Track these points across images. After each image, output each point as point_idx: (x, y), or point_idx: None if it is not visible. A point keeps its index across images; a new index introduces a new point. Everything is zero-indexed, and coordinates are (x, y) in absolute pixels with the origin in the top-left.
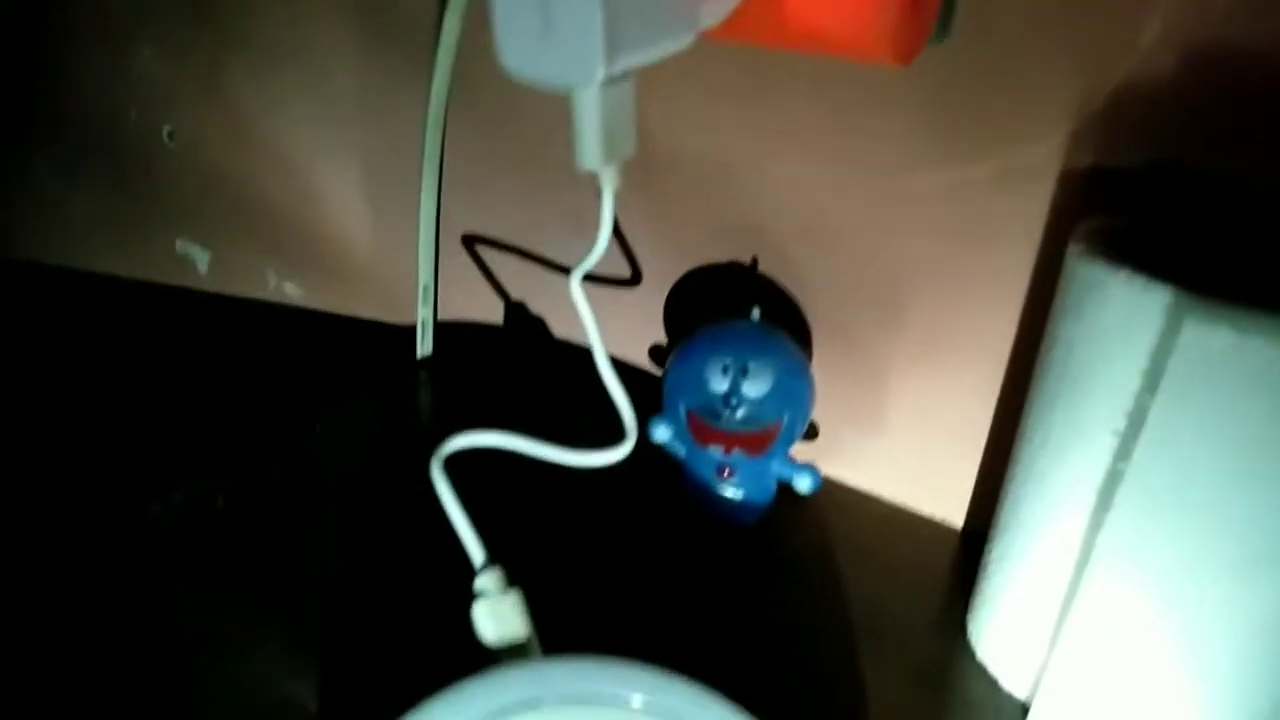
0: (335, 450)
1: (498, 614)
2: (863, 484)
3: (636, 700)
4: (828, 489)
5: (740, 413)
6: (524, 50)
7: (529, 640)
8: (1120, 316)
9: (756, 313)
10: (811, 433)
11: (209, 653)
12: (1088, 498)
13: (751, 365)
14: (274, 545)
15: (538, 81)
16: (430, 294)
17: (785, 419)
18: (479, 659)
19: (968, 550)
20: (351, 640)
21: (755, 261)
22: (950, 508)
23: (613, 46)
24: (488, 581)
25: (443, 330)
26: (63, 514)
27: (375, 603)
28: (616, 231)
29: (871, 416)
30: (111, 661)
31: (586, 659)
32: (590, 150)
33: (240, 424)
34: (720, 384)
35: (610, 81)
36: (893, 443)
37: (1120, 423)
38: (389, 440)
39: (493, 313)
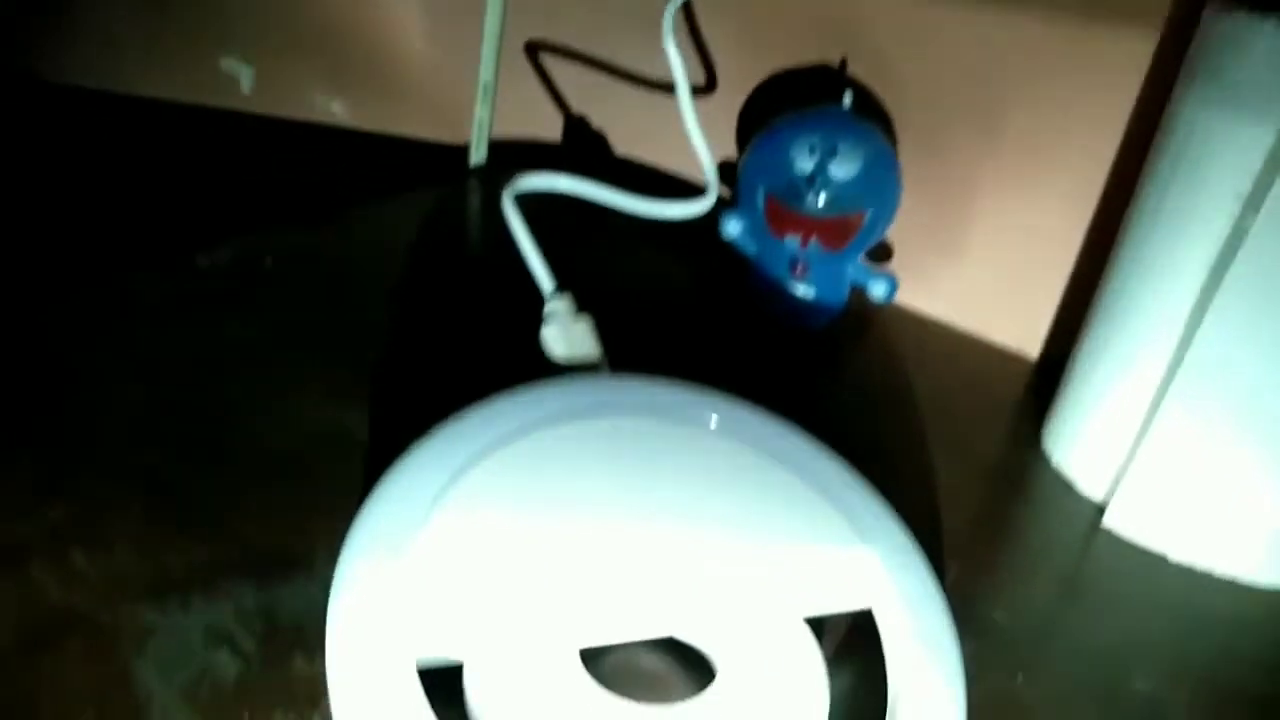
0: (387, 227)
1: (568, 336)
2: (938, 312)
3: (712, 420)
4: (899, 316)
5: (824, 195)
6: None
7: (599, 361)
8: (1262, 71)
9: (849, 98)
10: (884, 253)
11: (266, 387)
12: (1191, 290)
13: (841, 146)
14: (326, 295)
15: None
16: (490, 92)
17: (869, 212)
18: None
19: (1042, 379)
20: (416, 368)
21: (845, 62)
22: (1028, 338)
23: None
24: (558, 305)
25: (497, 149)
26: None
27: (441, 332)
28: (690, 27)
29: (954, 238)
30: (165, 400)
31: (658, 378)
32: None
33: (281, 199)
34: (806, 164)
35: None
36: (973, 268)
37: (1235, 209)
38: (443, 225)
39: (551, 130)
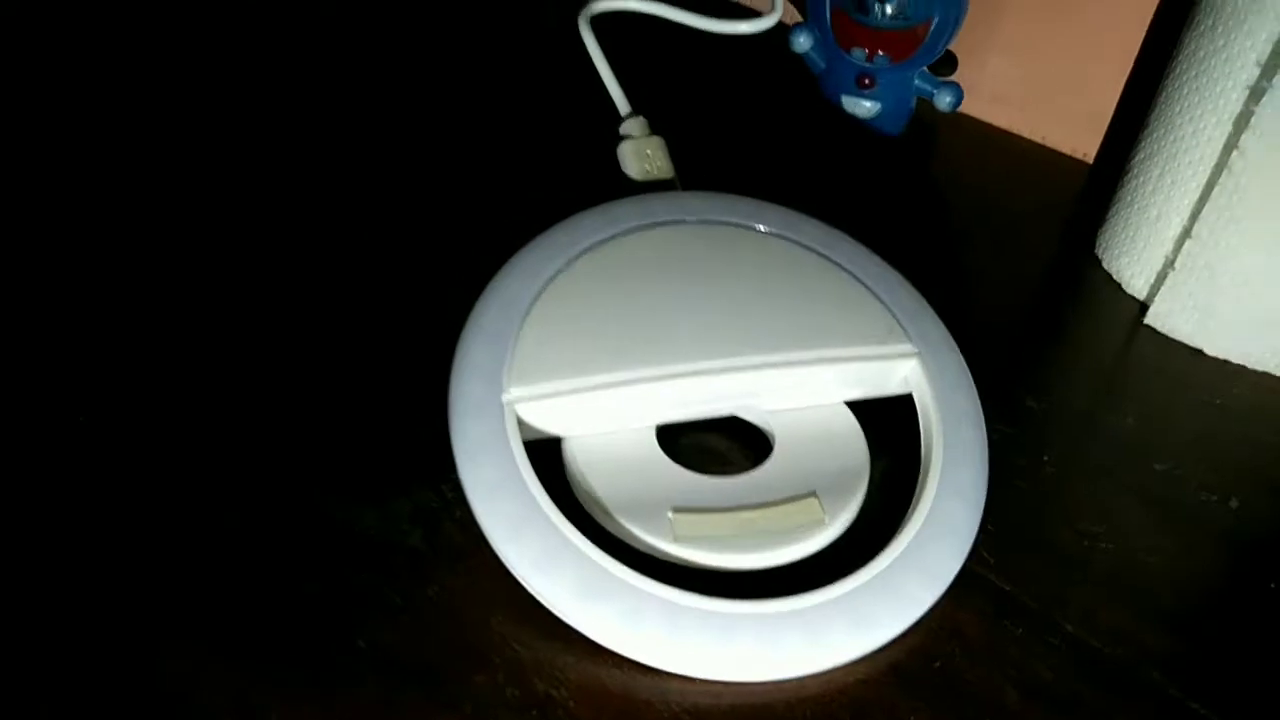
0: (463, 22)
1: (642, 153)
2: (997, 118)
3: (765, 225)
4: (961, 121)
5: (890, 6)
6: None
7: (672, 178)
8: None
9: None
10: (949, 63)
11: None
12: (1235, 102)
13: None
14: (413, 101)
15: None
16: None
17: (936, 18)
18: (627, 189)
19: (1097, 182)
20: (495, 173)
21: None
22: (1086, 141)
23: None
24: (633, 126)
25: None
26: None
27: (521, 142)
28: None
29: (1014, 40)
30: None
31: (723, 193)
32: None
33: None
34: None
35: None
36: (1034, 69)
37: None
38: (521, 48)
39: None
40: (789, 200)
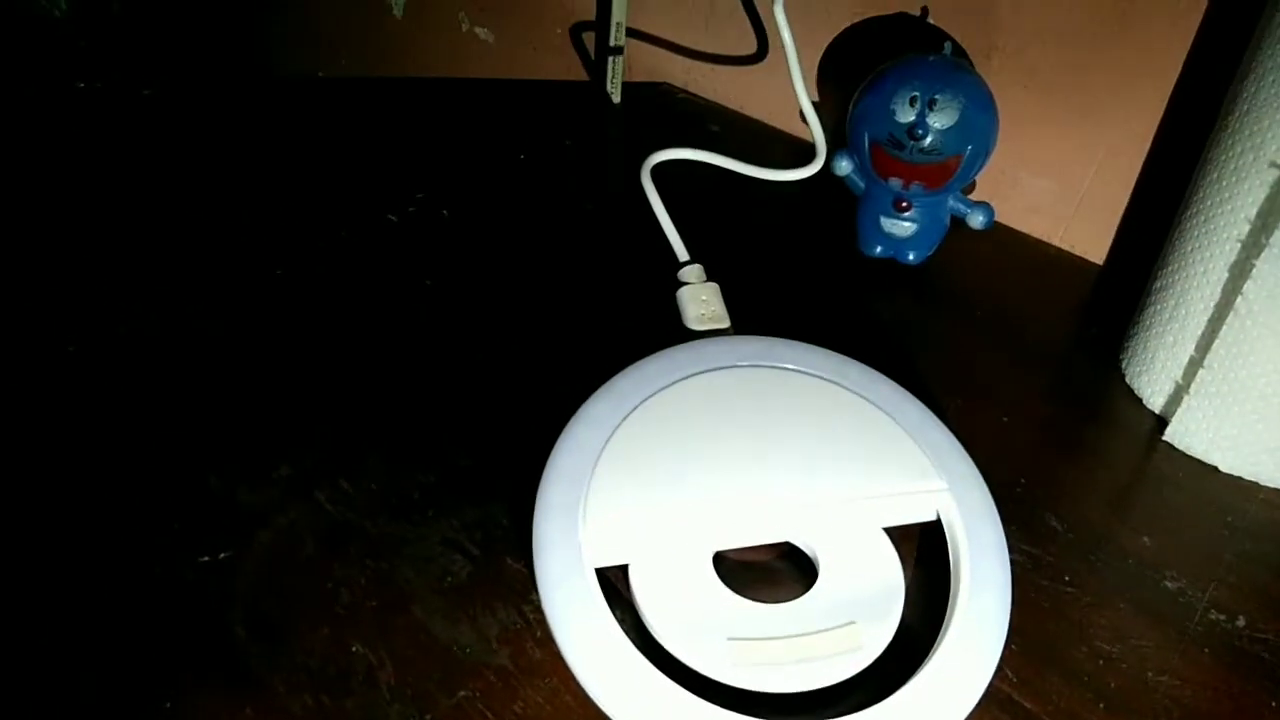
0: (539, 175)
1: (698, 299)
2: (1016, 223)
3: (816, 369)
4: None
5: (924, 145)
6: None
7: (725, 321)
8: None
9: (948, 47)
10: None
11: (449, 325)
12: (1255, 219)
13: (940, 98)
14: (493, 245)
15: None
16: (623, 31)
17: (967, 152)
18: (684, 334)
19: (1110, 283)
20: (567, 316)
21: (926, 10)
22: (1095, 247)
23: None
24: (691, 273)
25: (629, 88)
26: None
27: (590, 286)
28: None
29: (1030, 157)
30: (369, 324)
31: (771, 338)
32: None
33: (446, 150)
34: (907, 115)
35: None
36: (1047, 181)
37: None
38: (588, 168)
39: (678, 72)
40: (832, 337)
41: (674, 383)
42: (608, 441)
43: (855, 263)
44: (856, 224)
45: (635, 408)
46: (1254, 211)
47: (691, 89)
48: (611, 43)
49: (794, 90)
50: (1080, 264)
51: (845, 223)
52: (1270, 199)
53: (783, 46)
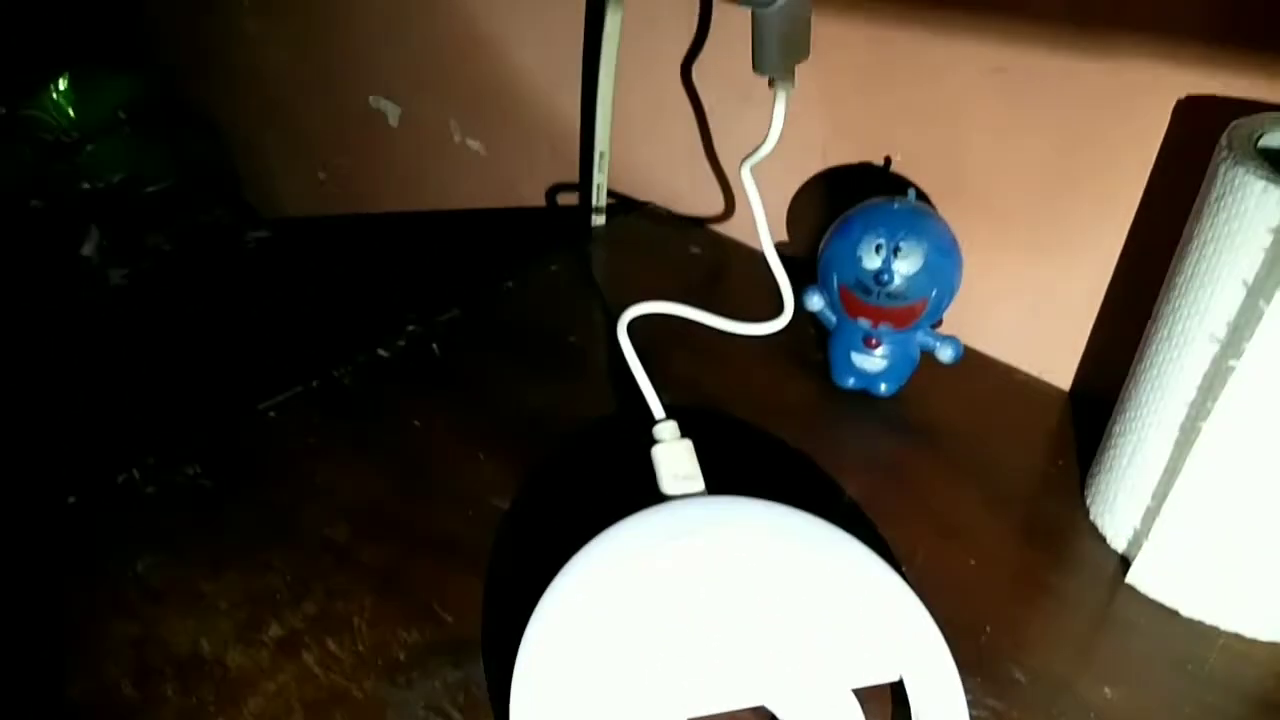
0: (525, 305)
1: (672, 458)
2: (984, 349)
3: (779, 531)
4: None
5: (890, 289)
6: None
7: (698, 480)
8: (1253, 215)
9: (912, 194)
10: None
11: (432, 457)
12: (1200, 386)
13: (904, 245)
14: (479, 384)
15: None
16: (605, 162)
17: (932, 295)
18: (656, 495)
19: (1076, 410)
20: (549, 470)
21: (889, 160)
22: (1061, 373)
23: None
24: (665, 430)
25: (614, 208)
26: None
27: (568, 440)
28: None
29: (993, 289)
30: (353, 456)
31: (742, 498)
32: (769, 58)
33: (439, 278)
34: (873, 261)
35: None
36: (1013, 313)
37: (1223, 333)
38: (572, 298)
39: (659, 192)
40: (806, 481)
41: (646, 548)
42: (579, 610)
43: (829, 393)
44: (829, 357)
45: (607, 576)
46: (1199, 377)
47: (674, 208)
48: (595, 172)
49: (761, 245)
50: (1048, 390)
51: (820, 352)
52: (1212, 370)
53: (749, 204)
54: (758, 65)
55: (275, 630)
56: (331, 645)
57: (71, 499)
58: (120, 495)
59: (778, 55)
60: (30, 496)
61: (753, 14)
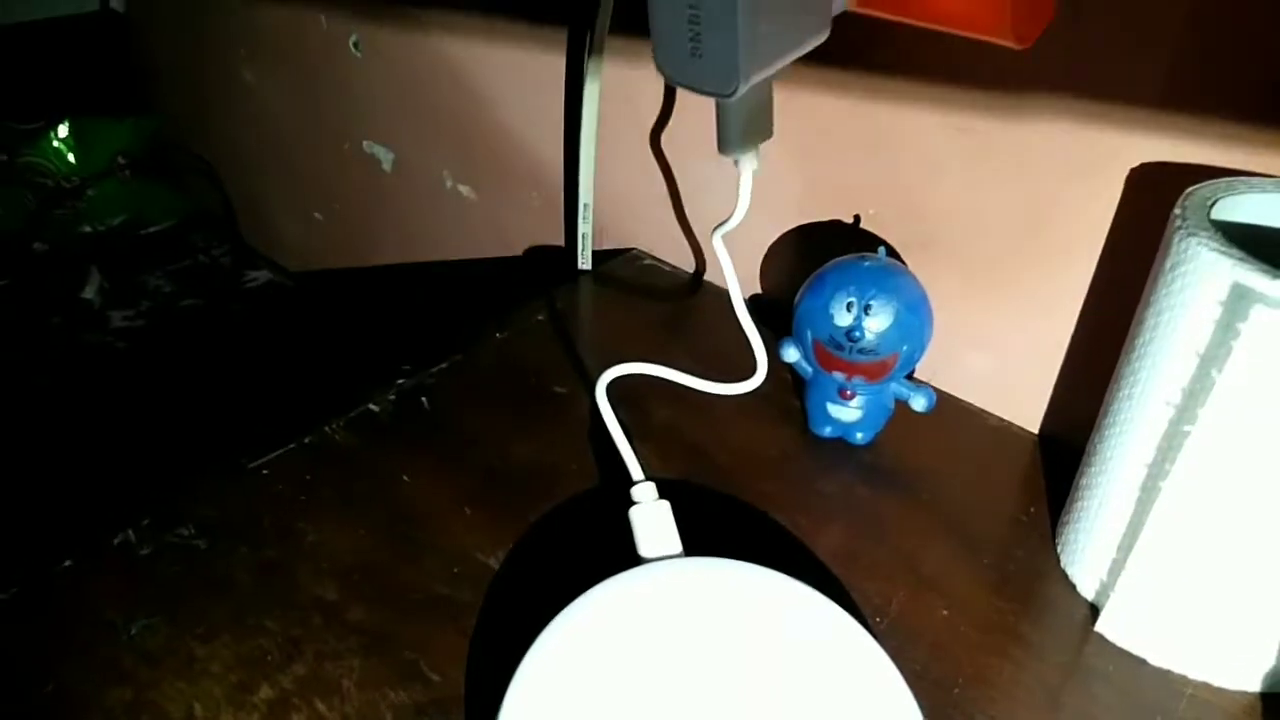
0: (511, 355)
1: (650, 519)
2: (957, 394)
3: (754, 596)
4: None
5: (861, 346)
6: (676, 63)
7: (675, 543)
8: (1203, 286)
9: (882, 251)
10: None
11: (422, 515)
12: (1159, 447)
13: (875, 303)
14: (467, 437)
15: (687, 88)
16: (590, 211)
17: (903, 350)
18: (633, 556)
19: (1046, 453)
20: (534, 525)
21: (858, 219)
22: (1031, 418)
23: (751, 66)
24: (643, 492)
25: (600, 254)
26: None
27: (554, 493)
28: None
29: (965, 339)
30: (342, 513)
31: (720, 560)
32: (732, 141)
33: (429, 326)
34: (844, 319)
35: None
36: (984, 361)
37: (1178, 399)
38: (559, 347)
39: (645, 242)
40: (784, 536)
41: (623, 612)
42: (558, 674)
43: (807, 441)
44: (806, 407)
45: (585, 639)
46: (1159, 437)
47: (658, 255)
48: (580, 222)
49: (732, 306)
50: (1019, 434)
51: (798, 399)
52: (1170, 433)
53: (721, 269)
54: (722, 147)
55: (266, 692)
56: (321, 707)
57: (68, 562)
58: (116, 557)
59: (740, 139)
60: (26, 559)
61: (715, 102)
